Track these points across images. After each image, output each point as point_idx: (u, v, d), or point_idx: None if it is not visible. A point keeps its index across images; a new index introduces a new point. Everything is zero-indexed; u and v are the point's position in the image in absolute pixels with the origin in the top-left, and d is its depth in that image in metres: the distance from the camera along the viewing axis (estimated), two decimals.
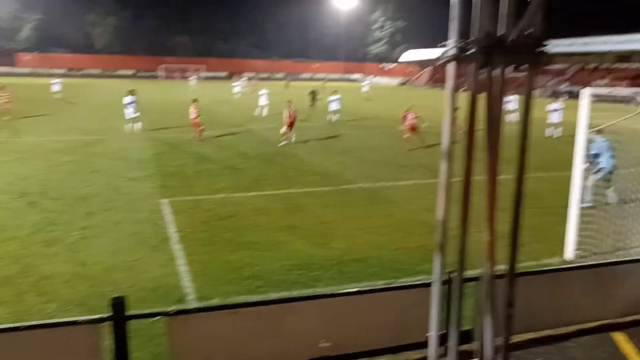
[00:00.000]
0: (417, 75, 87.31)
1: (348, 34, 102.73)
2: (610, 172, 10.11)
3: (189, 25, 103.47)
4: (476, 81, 2.55)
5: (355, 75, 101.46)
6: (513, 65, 2.52)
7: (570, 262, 8.19)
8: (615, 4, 67.12)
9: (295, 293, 6.92)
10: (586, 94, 7.90)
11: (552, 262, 8.31)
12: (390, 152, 18.90)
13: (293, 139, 20.46)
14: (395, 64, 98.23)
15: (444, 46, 2.67)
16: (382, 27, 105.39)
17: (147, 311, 4.84)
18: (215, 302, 6.61)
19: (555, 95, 51.21)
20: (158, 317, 4.51)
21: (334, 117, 28.51)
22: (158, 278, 7.45)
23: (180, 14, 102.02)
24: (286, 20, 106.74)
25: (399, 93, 61.48)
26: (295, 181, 13.71)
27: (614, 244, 8.12)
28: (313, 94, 33.50)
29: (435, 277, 2.90)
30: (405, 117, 20.02)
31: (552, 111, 23.82)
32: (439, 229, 2.80)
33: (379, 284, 7.39)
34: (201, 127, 21.08)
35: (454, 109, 2.70)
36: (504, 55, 2.48)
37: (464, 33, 2.57)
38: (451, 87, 2.72)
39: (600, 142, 10.44)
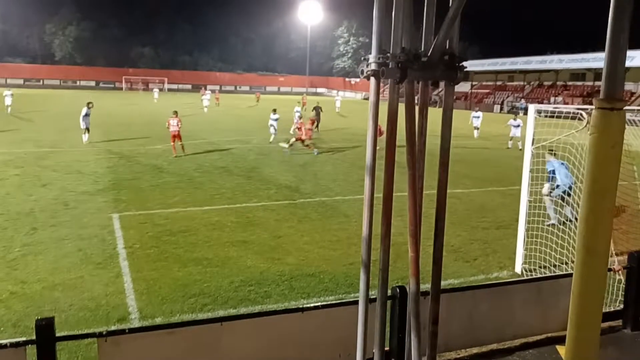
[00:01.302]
0: (381, 90, 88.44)
1: (313, 49, 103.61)
2: (570, 188, 10.19)
3: (152, 37, 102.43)
4: (394, 96, 2.53)
5: (321, 89, 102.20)
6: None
7: (519, 275, 8.30)
8: (568, 27, 69.86)
9: (242, 310, 6.77)
10: (532, 110, 8.09)
11: (501, 275, 8.41)
12: (351, 166, 18.94)
13: (316, 152, 21.28)
14: (359, 79, 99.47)
15: (366, 61, 2.65)
16: (346, 42, 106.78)
17: (76, 332, 4.60)
18: (158, 321, 6.40)
19: (514, 111, 52.77)
20: (88, 339, 4.30)
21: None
22: (100, 297, 7.16)
23: (143, 25, 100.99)
24: (251, 34, 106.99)
25: (365, 107, 62.11)
26: (253, 195, 13.56)
27: (560, 257, 8.26)
28: (317, 110, 31.23)
29: (362, 295, 2.84)
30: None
31: (515, 127, 25.28)
32: (363, 246, 2.75)
33: (330, 299, 7.32)
34: (181, 142, 19.80)
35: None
36: (420, 71, 2.47)
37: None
38: (373, 101, 2.69)
39: (554, 161, 10.59)
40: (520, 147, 24.36)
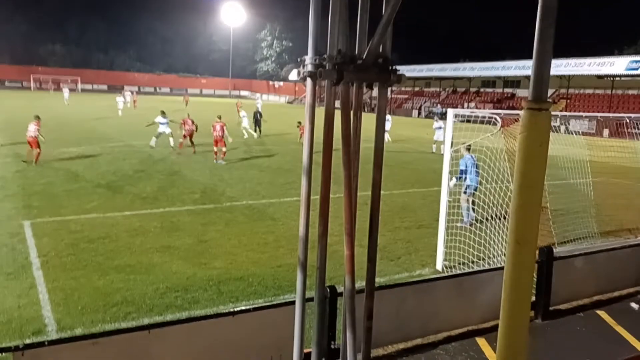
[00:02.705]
0: (304, 94, 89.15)
1: (236, 51, 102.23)
2: (475, 189, 10.72)
3: (63, 33, 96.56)
4: (331, 98, 2.59)
5: (244, 92, 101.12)
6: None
7: (440, 272, 8.69)
8: (480, 37, 74.14)
9: (169, 317, 6.57)
10: (451, 115, 8.51)
11: (424, 273, 8.76)
12: (276, 169, 18.92)
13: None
14: (282, 82, 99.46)
15: (302, 62, 2.69)
16: (269, 45, 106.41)
17: None
18: (77, 332, 6.06)
19: (432, 115, 55.08)
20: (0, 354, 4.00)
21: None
22: (12, 309, 6.67)
23: (53, 21, 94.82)
24: (171, 34, 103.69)
25: (289, 111, 62.13)
26: (176, 199, 13.18)
27: (478, 254, 8.74)
28: (257, 116, 29.35)
29: (299, 294, 2.87)
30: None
31: (437, 128, 25.40)
32: (300, 246, 2.78)
33: (259, 302, 7.28)
34: (39, 151, 17.51)
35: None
36: (355, 73, 2.55)
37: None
38: (309, 103, 2.73)
39: (467, 158, 11.07)
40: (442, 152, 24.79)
